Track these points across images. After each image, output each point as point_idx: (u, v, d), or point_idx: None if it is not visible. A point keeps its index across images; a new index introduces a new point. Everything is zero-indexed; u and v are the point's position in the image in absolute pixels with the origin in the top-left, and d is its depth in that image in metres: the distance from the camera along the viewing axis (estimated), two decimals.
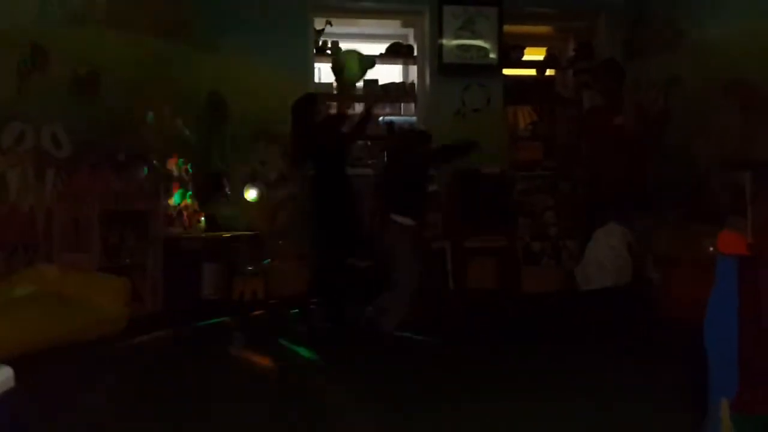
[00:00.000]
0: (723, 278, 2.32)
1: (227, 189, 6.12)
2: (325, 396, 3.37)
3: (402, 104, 7.61)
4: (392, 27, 7.55)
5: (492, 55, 6.61)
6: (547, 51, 7.50)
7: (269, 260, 5.90)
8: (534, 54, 7.50)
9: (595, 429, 2.77)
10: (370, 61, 5.44)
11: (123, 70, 5.34)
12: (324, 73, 7.25)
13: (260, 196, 6.21)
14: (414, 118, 7.19)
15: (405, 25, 7.43)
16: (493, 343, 4.32)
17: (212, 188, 6.08)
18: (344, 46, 7.02)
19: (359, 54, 5.43)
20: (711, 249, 3.24)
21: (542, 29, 7.66)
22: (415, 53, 7.03)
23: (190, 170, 5.92)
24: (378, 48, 7.20)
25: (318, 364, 3.93)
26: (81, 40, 5.06)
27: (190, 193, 5.86)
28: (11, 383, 2.06)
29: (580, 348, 4.07)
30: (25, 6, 4.76)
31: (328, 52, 6.89)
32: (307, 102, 5.11)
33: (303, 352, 4.15)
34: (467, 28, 6.57)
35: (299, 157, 5.26)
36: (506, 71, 6.92)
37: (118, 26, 5.32)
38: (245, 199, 6.19)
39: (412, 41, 7.25)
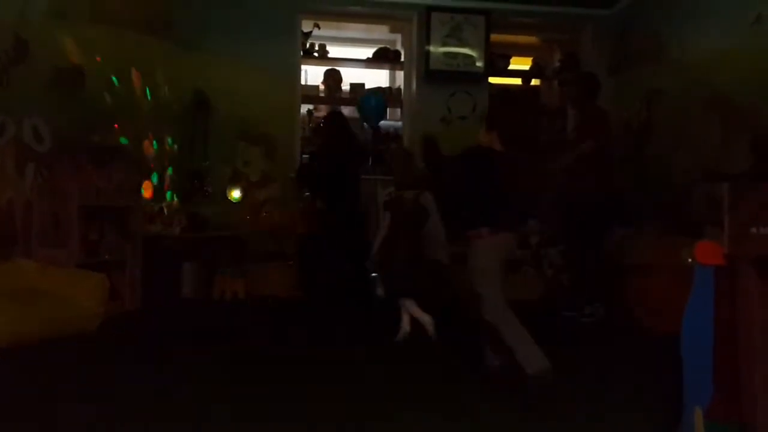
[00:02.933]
0: (700, 288, 2.36)
1: (209, 188, 6.10)
2: None
3: (388, 109, 7.63)
4: (380, 32, 7.59)
5: (478, 63, 6.66)
6: (533, 61, 7.57)
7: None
8: (520, 63, 7.57)
9: None
10: None
11: (106, 65, 5.30)
12: (310, 75, 7.27)
13: (243, 197, 6.19)
14: (399, 123, 7.22)
15: (393, 30, 7.47)
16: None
17: (194, 187, 6.05)
18: (332, 49, 7.06)
19: None
20: (689, 260, 3.28)
21: (529, 39, 7.74)
22: (402, 59, 7.06)
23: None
24: (365, 52, 7.23)
25: None
26: (65, 33, 5.01)
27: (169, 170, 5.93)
28: None
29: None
30: None
31: (315, 54, 6.92)
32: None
33: None
34: (454, 36, 6.61)
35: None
36: (492, 80, 6.98)
37: (102, 21, 5.28)
38: (227, 199, 6.17)
39: (399, 47, 7.28)
